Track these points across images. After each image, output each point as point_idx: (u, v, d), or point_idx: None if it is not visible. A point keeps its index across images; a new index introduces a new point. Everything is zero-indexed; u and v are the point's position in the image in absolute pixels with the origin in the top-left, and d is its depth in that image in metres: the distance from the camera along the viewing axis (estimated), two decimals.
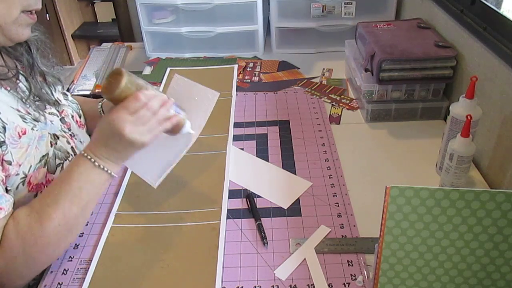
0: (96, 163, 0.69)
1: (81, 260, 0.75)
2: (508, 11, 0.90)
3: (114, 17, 2.27)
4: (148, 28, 1.45)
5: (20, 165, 0.70)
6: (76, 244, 0.78)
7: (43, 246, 0.65)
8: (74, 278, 0.72)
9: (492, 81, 0.89)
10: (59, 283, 0.71)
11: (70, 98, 0.92)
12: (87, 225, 0.82)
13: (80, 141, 0.88)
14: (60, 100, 0.86)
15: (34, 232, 0.64)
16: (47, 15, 2.73)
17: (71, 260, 0.75)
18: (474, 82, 0.79)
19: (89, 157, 0.69)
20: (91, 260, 0.73)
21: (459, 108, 0.82)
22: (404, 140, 1.02)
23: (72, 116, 0.88)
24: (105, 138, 0.69)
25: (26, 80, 0.78)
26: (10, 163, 0.68)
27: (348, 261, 0.72)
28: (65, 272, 0.73)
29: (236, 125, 1.08)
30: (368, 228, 0.78)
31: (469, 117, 0.75)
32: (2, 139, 0.66)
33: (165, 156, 0.82)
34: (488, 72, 0.90)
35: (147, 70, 1.40)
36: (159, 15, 1.47)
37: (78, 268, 0.73)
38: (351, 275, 0.70)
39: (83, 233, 0.80)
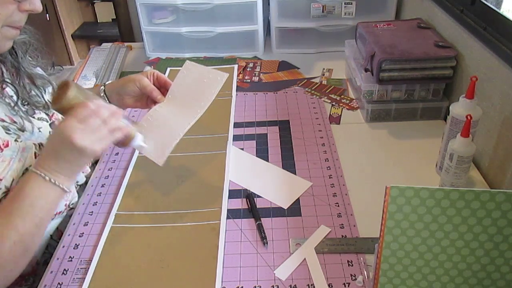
0: (47, 178, 0.65)
1: (81, 260, 0.75)
2: (508, 11, 0.90)
3: (114, 17, 2.27)
4: (148, 28, 1.45)
5: (1, 180, 0.68)
6: (76, 244, 0.78)
7: (0, 263, 0.62)
8: (74, 278, 0.72)
9: (492, 81, 0.89)
10: (59, 283, 0.71)
11: None
12: (87, 225, 0.82)
13: None
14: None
15: None
16: (47, 15, 2.74)
17: (71, 260, 0.75)
18: (474, 82, 0.79)
19: (39, 172, 0.65)
20: (91, 260, 0.73)
21: (459, 108, 0.82)
22: (404, 140, 1.02)
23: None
24: (55, 150, 0.66)
25: (12, 84, 0.76)
26: None
27: (348, 261, 0.72)
28: (65, 272, 0.73)
29: (236, 125, 1.08)
30: (368, 228, 0.78)
31: (469, 117, 0.75)
32: None
33: (168, 133, 0.82)
34: (488, 72, 0.90)
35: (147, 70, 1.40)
36: (159, 15, 1.47)
37: (78, 268, 0.73)
38: (351, 275, 0.70)
39: (83, 233, 0.80)
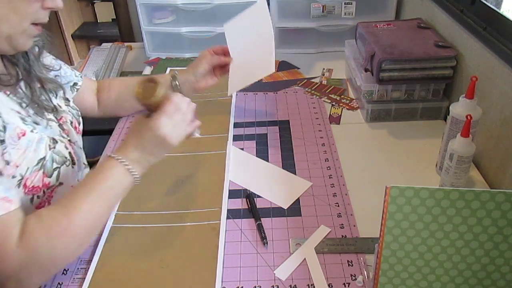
0: (128, 167, 0.71)
1: (81, 260, 0.75)
2: (508, 11, 0.90)
3: (114, 17, 2.26)
4: (148, 28, 1.45)
5: (17, 167, 0.69)
6: None
7: (69, 238, 0.64)
8: (74, 278, 0.72)
9: (492, 81, 0.89)
10: (59, 283, 0.71)
11: (71, 104, 0.92)
12: None
13: (80, 148, 0.88)
14: (60, 106, 0.85)
15: (61, 223, 0.64)
16: None
17: None
18: (474, 82, 0.79)
19: (121, 160, 0.71)
20: (91, 260, 0.73)
21: (459, 108, 0.82)
22: (404, 140, 1.02)
23: (71, 123, 0.88)
24: (142, 142, 0.72)
25: (25, 86, 0.78)
26: (8, 163, 0.67)
27: (348, 261, 0.72)
28: (65, 272, 0.73)
29: (236, 125, 1.08)
30: (368, 228, 0.78)
31: (469, 117, 0.75)
32: (2, 138, 0.67)
33: (244, 75, 1.01)
34: (488, 72, 0.90)
35: (147, 70, 1.40)
36: (159, 15, 1.47)
37: (78, 268, 0.73)
38: (351, 275, 0.70)
39: None
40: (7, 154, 0.67)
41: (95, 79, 1.37)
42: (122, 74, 1.44)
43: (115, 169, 0.70)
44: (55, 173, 0.77)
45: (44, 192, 0.74)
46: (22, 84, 0.78)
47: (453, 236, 0.55)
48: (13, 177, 0.69)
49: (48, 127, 0.79)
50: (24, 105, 0.76)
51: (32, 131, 0.73)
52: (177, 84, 1.03)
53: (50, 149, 0.76)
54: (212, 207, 0.83)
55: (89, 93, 1.04)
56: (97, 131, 1.21)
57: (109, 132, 1.09)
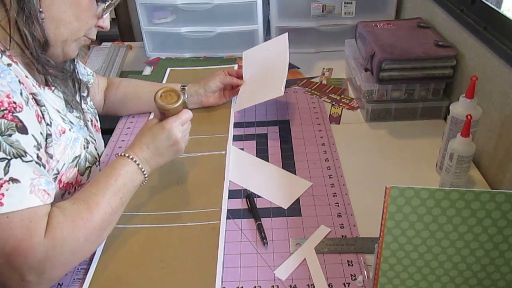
0: (140, 165, 0.75)
1: None
2: (508, 11, 0.90)
3: (114, 17, 2.26)
4: (148, 28, 1.45)
5: (58, 162, 0.72)
6: None
7: (90, 231, 0.66)
8: (74, 279, 0.72)
9: (492, 81, 0.89)
10: (59, 284, 0.71)
11: (89, 103, 0.94)
12: None
13: (96, 147, 0.89)
14: (83, 108, 0.88)
15: (83, 216, 0.65)
16: None
17: None
18: (474, 82, 0.79)
19: (134, 159, 0.74)
20: (91, 261, 0.73)
21: (459, 107, 0.82)
22: (404, 140, 1.02)
23: (91, 121, 0.91)
24: (156, 143, 0.77)
25: (64, 85, 0.82)
26: (51, 157, 0.70)
27: (348, 261, 0.72)
28: None
29: (236, 125, 1.08)
30: (368, 228, 0.78)
31: (469, 117, 0.75)
32: (49, 132, 0.70)
33: (252, 95, 1.06)
34: (488, 71, 0.90)
35: (147, 70, 1.40)
36: (159, 15, 1.47)
37: (78, 269, 0.73)
38: (351, 275, 0.70)
39: None
40: (52, 148, 0.70)
41: None
42: (122, 73, 1.44)
43: (128, 167, 0.74)
44: (87, 171, 0.80)
45: (75, 189, 0.77)
46: (61, 83, 0.81)
47: (453, 236, 0.55)
48: (52, 170, 0.71)
49: (81, 127, 0.83)
50: (63, 103, 0.80)
51: (70, 129, 0.77)
52: (185, 97, 1.07)
53: (84, 148, 0.80)
54: (212, 207, 0.83)
55: (99, 91, 1.07)
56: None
57: (110, 132, 1.09)
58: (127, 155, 0.74)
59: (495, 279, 0.57)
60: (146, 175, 0.76)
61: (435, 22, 1.16)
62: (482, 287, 0.58)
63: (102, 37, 1.64)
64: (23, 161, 0.61)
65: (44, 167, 0.66)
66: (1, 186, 0.58)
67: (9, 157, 0.59)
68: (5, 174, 0.59)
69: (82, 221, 0.65)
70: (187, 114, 0.81)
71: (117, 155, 0.76)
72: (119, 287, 0.69)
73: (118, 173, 0.72)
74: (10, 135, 0.60)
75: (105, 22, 0.77)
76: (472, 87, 0.79)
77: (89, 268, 0.72)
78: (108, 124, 1.13)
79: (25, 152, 0.62)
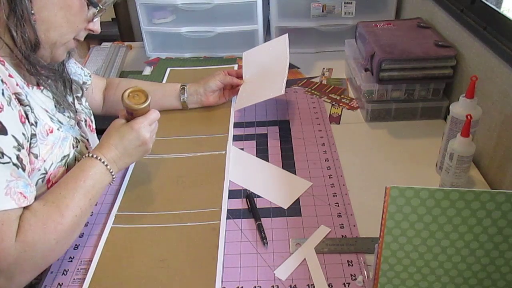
0: (108, 166, 0.75)
1: (81, 261, 0.75)
2: (508, 11, 0.91)
3: (114, 17, 2.26)
4: (148, 28, 1.45)
5: (44, 161, 0.72)
6: (76, 245, 0.78)
7: (61, 234, 0.66)
8: (74, 279, 0.72)
9: (492, 81, 0.89)
10: (59, 284, 0.71)
11: (84, 103, 0.94)
12: (87, 225, 0.82)
13: (87, 147, 0.89)
14: (77, 108, 0.88)
15: (54, 219, 0.65)
16: None
17: (71, 261, 0.75)
18: (474, 82, 0.79)
19: (102, 160, 0.75)
20: (91, 261, 0.73)
21: (459, 107, 0.82)
22: (404, 140, 1.02)
23: (85, 121, 0.90)
24: (124, 144, 0.77)
25: (54, 86, 0.82)
26: (36, 157, 0.70)
27: (348, 261, 0.72)
28: (65, 272, 0.73)
29: (236, 125, 1.08)
30: (368, 228, 0.78)
31: (469, 117, 0.75)
32: (34, 132, 0.69)
33: (253, 94, 1.06)
34: (488, 71, 0.90)
35: (147, 70, 1.40)
36: (159, 15, 1.46)
37: (78, 269, 0.73)
38: (351, 275, 0.70)
39: (83, 233, 0.80)
40: (37, 148, 0.70)
41: None
42: (122, 73, 1.44)
43: (96, 168, 0.74)
44: None
45: None
46: (51, 84, 0.81)
47: (453, 236, 0.55)
48: (39, 170, 0.71)
49: (71, 127, 0.83)
50: (52, 103, 0.79)
51: (58, 129, 0.76)
52: (185, 97, 1.08)
53: (73, 148, 0.79)
54: (212, 207, 0.83)
55: (97, 91, 1.06)
56: (97, 131, 1.21)
57: None
58: (95, 156, 0.74)
59: (495, 279, 0.57)
60: (114, 176, 0.76)
61: (435, 22, 1.16)
62: (482, 287, 0.58)
63: (102, 37, 1.64)
64: None
65: (24, 170, 0.65)
66: None
67: None
68: None
69: (53, 224, 0.65)
70: (154, 114, 0.81)
71: (84, 156, 0.75)
72: (119, 287, 0.69)
73: (86, 175, 0.72)
74: None
75: (96, 25, 0.77)
76: (472, 87, 0.79)
77: (89, 268, 0.72)
78: (107, 124, 1.13)
79: (3, 154, 0.61)
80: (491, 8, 0.90)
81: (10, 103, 0.64)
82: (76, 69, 0.96)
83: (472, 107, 0.81)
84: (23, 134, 0.66)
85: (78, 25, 0.73)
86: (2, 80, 0.64)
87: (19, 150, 0.64)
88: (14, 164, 0.62)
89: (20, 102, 0.68)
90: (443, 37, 1.09)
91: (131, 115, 0.80)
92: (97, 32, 0.78)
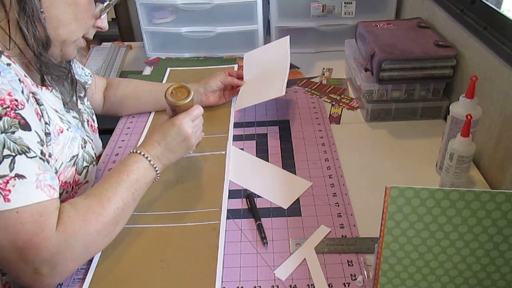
0: (152, 162, 0.76)
1: None
2: (508, 11, 0.90)
3: (114, 17, 2.26)
4: (148, 28, 1.45)
5: (56, 160, 0.73)
6: None
7: (102, 225, 0.67)
8: (74, 279, 0.72)
9: (492, 81, 0.89)
10: (59, 284, 0.71)
11: (86, 103, 0.95)
12: None
13: (92, 147, 0.89)
14: (80, 108, 0.89)
15: (95, 211, 0.66)
16: None
17: None
18: (474, 82, 0.79)
19: (146, 155, 0.76)
20: (91, 261, 0.73)
21: (459, 107, 0.82)
22: (404, 140, 1.02)
23: (88, 121, 0.91)
24: (166, 140, 0.78)
25: (62, 85, 0.82)
26: (50, 156, 0.71)
27: (348, 261, 0.72)
28: None
29: (236, 125, 1.08)
30: (368, 228, 0.78)
31: (469, 117, 0.75)
32: (48, 131, 0.70)
33: (253, 94, 1.06)
34: (488, 71, 0.90)
35: (147, 70, 1.40)
36: (159, 15, 1.46)
37: (78, 269, 0.73)
38: (351, 275, 0.70)
39: None
40: (51, 147, 0.71)
41: None
42: (122, 73, 1.44)
43: (140, 164, 0.75)
44: (84, 171, 0.80)
45: (72, 188, 0.77)
46: (59, 84, 0.82)
47: (453, 236, 0.55)
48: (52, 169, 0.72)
49: (79, 127, 0.83)
50: (61, 103, 0.80)
51: (67, 129, 0.77)
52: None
53: (82, 148, 0.80)
54: (212, 207, 0.83)
55: (98, 91, 1.07)
56: (99, 130, 1.21)
57: (109, 131, 1.09)
58: (138, 151, 0.76)
59: (495, 279, 0.57)
60: (158, 172, 0.77)
61: (435, 22, 1.16)
62: (482, 287, 0.58)
63: (102, 37, 1.64)
64: (27, 157, 0.61)
65: (48, 163, 0.67)
66: (8, 182, 0.59)
67: (13, 154, 0.60)
68: (11, 170, 0.59)
69: (94, 216, 0.66)
70: (197, 110, 0.81)
71: (129, 152, 0.77)
72: (119, 287, 0.69)
73: (130, 169, 0.73)
74: (13, 132, 0.61)
75: (103, 22, 0.78)
76: (472, 87, 0.79)
77: (89, 268, 0.72)
78: (108, 124, 1.13)
79: (29, 148, 0.62)
80: (491, 8, 0.90)
81: (28, 101, 0.65)
82: (77, 69, 0.96)
83: (472, 107, 0.81)
84: (42, 130, 0.68)
85: (86, 21, 0.74)
86: (19, 79, 0.65)
87: (42, 145, 0.66)
88: (40, 158, 0.64)
89: (36, 101, 0.69)
90: (443, 37, 1.09)
91: (175, 112, 0.80)
92: (105, 29, 0.79)
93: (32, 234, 0.60)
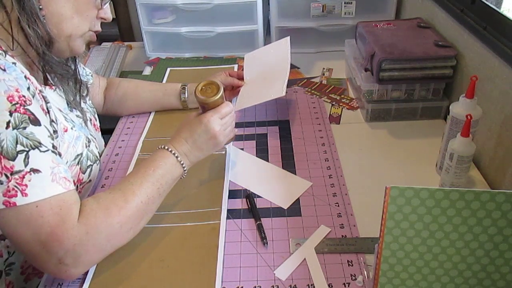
0: (179, 158, 0.76)
1: None
2: (508, 11, 0.90)
3: (114, 17, 2.26)
4: (148, 28, 1.45)
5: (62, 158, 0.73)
6: None
7: (125, 218, 0.67)
8: (74, 279, 0.72)
9: (492, 81, 0.89)
10: (59, 284, 0.71)
11: (88, 102, 0.95)
12: None
13: (96, 146, 0.89)
14: (82, 107, 0.89)
15: (118, 204, 0.67)
16: None
17: None
18: (474, 82, 0.79)
19: (173, 152, 0.76)
20: None
21: (459, 107, 0.82)
22: (404, 140, 1.02)
23: (90, 120, 0.91)
24: (194, 137, 0.78)
25: (67, 84, 0.83)
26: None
27: (348, 261, 0.72)
28: None
29: (236, 125, 1.07)
30: (368, 228, 0.78)
31: (469, 117, 0.75)
32: (55, 129, 0.70)
33: (253, 95, 1.05)
34: (488, 71, 0.90)
35: (147, 70, 1.40)
36: (159, 15, 1.47)
37: None
38: (351, 275, 0.70)
39: None
40: (57, 145, 0.70)
41: None
42: (122, 73, 1.44)
43: (167, 159, 0.75)
44: (88, 170, 0.81)
45: (77, 187, 0.77)
46: (64, 83, 0.82)
47: (453, 236, 0.55)
48: None
49: (82, 126, 0.84)
50: (65, 102, 0.81)
51: (72, 128, 0.77)
52: (185, 97, 1.08)
53: (86, 147, 0.80)
54: (212, 207, 0.83)
55: (98, 91, 1.07)
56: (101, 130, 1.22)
57: (110, 132, 1.09)
58: (166, 147, 0.76)
59: (495, 279, 0.57)
60: (185, 168, 0.77)
61: (435, 22, 1.16)
62: (482, 287, 0.58)
63: (102, 37, 1.64)
64: (40, 151, 0.62)
65: (60, 156, 0.67)
66: (24, 177, 0.59)
67: (27, 149, 0.60)
68: (26, 165, 0.60)
69: (116, 208, 0.66)
70: (227, 108, 0.80)
71: (157, 148, 0.77)
72: (119, 287, 0.69)
73: (157, 164, 0.73)
74: (24, 128, 0.61)
75: (107, 13, 0.77)
76: (472, 87, 0.79)
77: (89, 269, 0.72)
78: (108, 124, 1.13)
79: (40, 143, 0.62)
80: (491, 8, 0.90)
81: (34, 97, 0.66)
82: (78, 69, 0.96)
83: (472, 107, 0.81)
84: (50, 125, 0.68)
85: (89, 13, 0.74)
86: (25, 76, 0.65)
87: (52, 139, 0.66)
88: (52, 151, 0.64)
89: (44, 98, 0.70)
90: (443, 37, 1.09)
91: (204, 109, 0.80)
92: (109, 19, 0.78)
93: (54, 226, 0.60)
